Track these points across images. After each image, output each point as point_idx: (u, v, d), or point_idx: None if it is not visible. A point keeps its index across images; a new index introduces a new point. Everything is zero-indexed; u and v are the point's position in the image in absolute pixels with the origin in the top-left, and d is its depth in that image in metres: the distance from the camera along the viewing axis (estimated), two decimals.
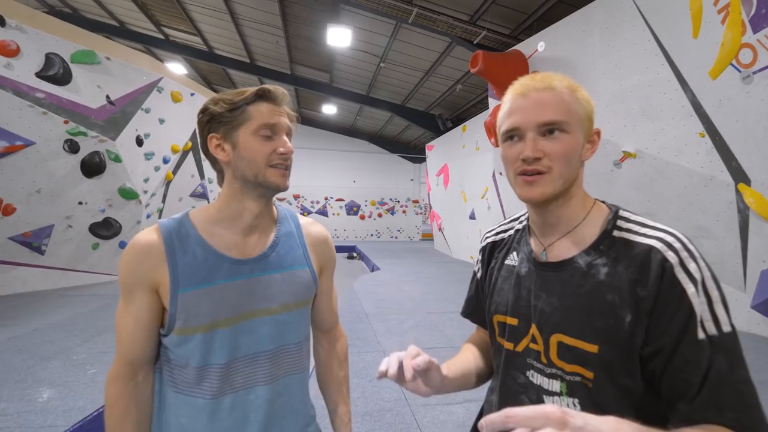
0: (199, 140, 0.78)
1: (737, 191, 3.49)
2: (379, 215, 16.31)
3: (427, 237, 16.02)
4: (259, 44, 9.51)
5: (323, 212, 15.67)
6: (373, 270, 7.88)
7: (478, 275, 0.85)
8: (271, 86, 0.76)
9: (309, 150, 15.38)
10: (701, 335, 0.51)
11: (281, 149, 0.74)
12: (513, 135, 0.64)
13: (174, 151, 6.89)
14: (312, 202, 15.65)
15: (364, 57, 9.12)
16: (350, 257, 12.43)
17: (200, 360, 0.70)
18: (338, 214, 15.89)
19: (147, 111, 6.18)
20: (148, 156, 6.27)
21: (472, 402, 2.48)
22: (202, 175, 8.01)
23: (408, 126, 13.75)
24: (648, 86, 4.10)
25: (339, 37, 7.71)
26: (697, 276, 0.53)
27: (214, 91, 10.41)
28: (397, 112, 12.02)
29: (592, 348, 0.58)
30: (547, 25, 5.50)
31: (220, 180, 0.79)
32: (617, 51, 4.44)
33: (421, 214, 16.88)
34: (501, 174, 7.12)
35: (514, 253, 0.75)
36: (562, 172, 0.61)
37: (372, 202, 16.22)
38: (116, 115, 5.66)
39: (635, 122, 4.23)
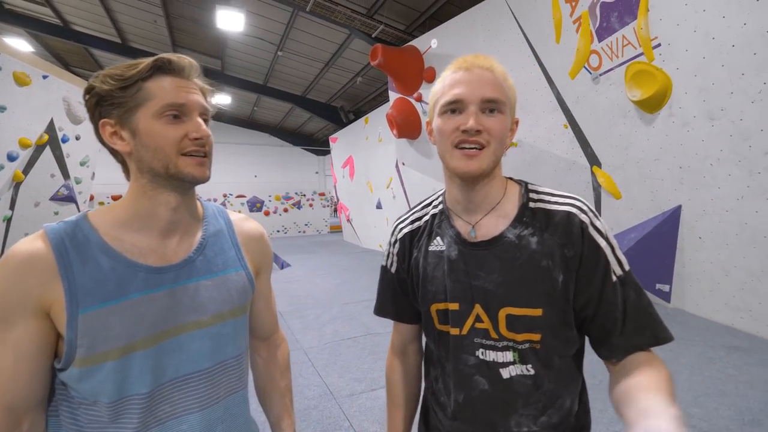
0: (93, 127, 0.62)
1: (592, 173, 4.24)
2: (285, 210, 15.71)
3: (336, 229, 16.00)
4: (132, 22, 8.26)
5: None
6: (283, 267, 7.60)
7: (393, 269, 0.80)
8: (174, 55, 0.62)
9: None
10: (614, 278, 0.62)
11: (194, 134, 0.61)
12: (454, 108, 0.64)
13: (23, 145, 5.63)
14: (208, 200, 14.31)
15: (259, 44, 8.60)
16: None
17: (114, 393, 0.57)
18: (240, 212, 14.70)
19: None
20: None
21: None
22: (66, 174, 6.70)
23: (310, 118, 13.43)
24: (524, 84, 4.69)
25: (230, 20, 7.11)
26: (603, 230, 0.64)
27: (75, 74, 8.73)
28: (298, 104, 11.65)
29: (537, 312, 0.63)
30: (438, 24, 5.88)
31: (126, 173, 0.65)
32: (498, 51, 4.96)
33: (328, 206, 16.74)
34: (404, 164, 7.45)
35: (438, 238, 0.73)
36: (496, 150, 0.64)
37: (276, 197, 15.53)
38: None
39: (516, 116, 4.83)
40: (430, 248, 0.73)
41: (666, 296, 3.72)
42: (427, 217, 0.77)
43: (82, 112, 6.89)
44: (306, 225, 16.11)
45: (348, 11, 6.38)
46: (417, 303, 0.77)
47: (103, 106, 0.60)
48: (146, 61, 0.60)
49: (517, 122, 0.69)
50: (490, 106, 0.63)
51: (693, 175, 3.38)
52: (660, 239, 3.65)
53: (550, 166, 4.61)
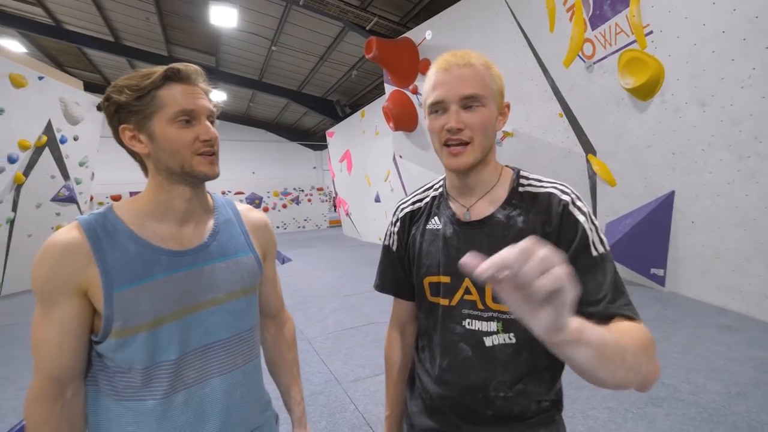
0: (111, 130, 0.70)
1: (587, 161, 4.29)
2: (284, 206, 15.75)
3: (335, 224, 16.05)
4: (125, 20, 8.21)
5: None
6: (284, 262, 7.65)
7: (394, 247, 0.86)
8: (181, 65, 0.70)
9: None
10: (595, 252, 0.65)
11: (204, 136, 0.69)
12: (438, 108, 0.70)
13: (23, 147, 5.67)
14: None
15: (253, 39, 8.57)
16: None
17: (147, 360, 0.66)
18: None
19: None
20: None
21: None
22: (66, 176, 6.73)
23: (306, 112, 13.43)
24: (519, 73, 4.73)
25: (224, 16, 7.09)
26: (585, 210, 0.68)
27: (69, 74, 8.69)
28: (294, 99, 11.64)
29: None
30: (433, 15, 5.88)
31: (144, 170, 0.74)
32: (493, 41, 4.99)
33: (326, 201, 16.78)
34: (401, 157, 7.49)
35: (436, 217, 0.79)
36: (481, 142, 0.69)
37: (275, 192, 15.56)
38: None
39: (511, 105, 4.87)
40: (428, 227, 0.80)
41: (661, 280, 3.81)
42: (427, 199, 0.84)
43: (79, 112, 6.90)
44: (305, 220, 16.16)
45: (341, 4, 6.37)
46: (412, 277, 0.83)
47: (122, 113, 0.68)
48: (158, 71, 0.68)
49: (508, 106, 0.73)
50: (470, 102, 0.67)
51: (685, 161, 3.44)
52: (654, 224, 3.72)
53: (546, 155, 4.66)
